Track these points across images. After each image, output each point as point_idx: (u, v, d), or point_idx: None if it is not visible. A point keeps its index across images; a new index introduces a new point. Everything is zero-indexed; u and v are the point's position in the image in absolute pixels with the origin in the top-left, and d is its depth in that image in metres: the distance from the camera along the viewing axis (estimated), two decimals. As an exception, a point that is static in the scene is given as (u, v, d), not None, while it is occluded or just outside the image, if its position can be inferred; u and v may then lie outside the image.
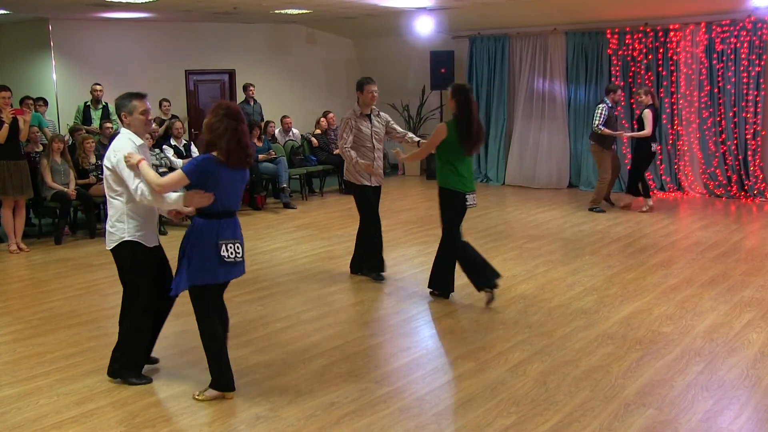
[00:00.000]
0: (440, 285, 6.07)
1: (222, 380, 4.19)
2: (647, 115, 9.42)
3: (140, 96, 4.33)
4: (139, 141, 4.29)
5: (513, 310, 5.72)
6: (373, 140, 6.52)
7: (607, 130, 9.54)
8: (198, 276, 4.05)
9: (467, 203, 5.85)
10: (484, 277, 5.82)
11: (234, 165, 4.03)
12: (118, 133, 4.41)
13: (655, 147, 9.68)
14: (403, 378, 4.49)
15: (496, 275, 5.83)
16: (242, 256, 4.16)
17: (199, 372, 4.54)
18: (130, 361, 4.45)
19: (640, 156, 9.69)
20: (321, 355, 4.86)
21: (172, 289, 4.13)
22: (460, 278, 6.63)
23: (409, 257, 7.55)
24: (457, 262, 5.95)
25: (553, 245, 7.92)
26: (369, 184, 6.56)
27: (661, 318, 5.47)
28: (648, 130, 9.41)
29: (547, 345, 4.97)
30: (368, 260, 6.73)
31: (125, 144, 4.21)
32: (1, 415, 4.04)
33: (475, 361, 4.71)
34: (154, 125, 9.92)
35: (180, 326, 5.22)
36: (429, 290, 6.15)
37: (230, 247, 4.07)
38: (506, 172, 12.66)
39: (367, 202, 6.60)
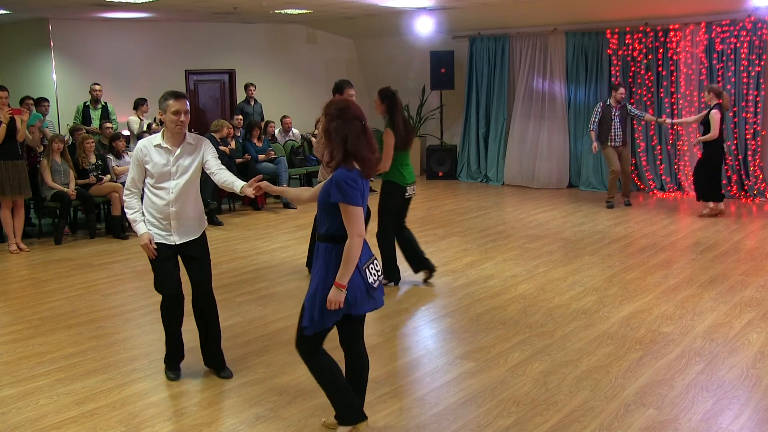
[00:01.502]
0: (388, 275, 6.41)
1: (346, 413, 3.58)
2: (714, 116, 8.89)
3: (177, 95, 4.21)
4: (156, 141, 4.26)
5: (513, 310, 5.73)
6: None
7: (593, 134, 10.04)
8: (327, 318, 3.41)
9: (406, 194, 6.27)
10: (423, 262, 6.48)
11: (371, 175, 3.46)
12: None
13: (725, 145, 9.23)
14: (403, 378, 4.49)
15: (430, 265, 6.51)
16: (381, 276, 3.55)
17: (200, 372, 4.54)
18: (166, 354, 4.57)
19: (714, 158, 9.10)
20: (321, 355, 4.86)
21: (306, 328, 3.44)
22: (466, 277, 6.63)
23: (409, 257, 7.55)
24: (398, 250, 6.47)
25: (553, 245, 7.92)
26: None
27: (661, 318, 5.47)
28: (714, 132, 8.88)
29: (547, 345, 4.97)
30: None
31: (138, 143, 4.34)
32: (1, 414, 4.04)
33: (475, 361, 4.71)
34: (154, 125, 9.92)
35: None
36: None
37: (372, 268, 3.47)
38: (506, 173, 12.66)
39: None
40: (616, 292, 6.16)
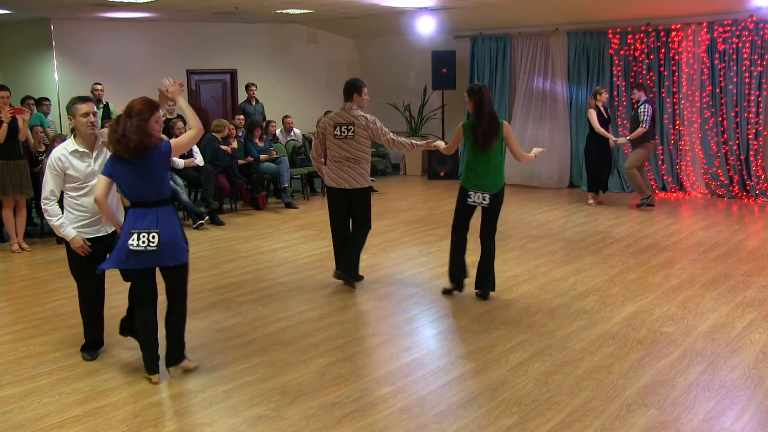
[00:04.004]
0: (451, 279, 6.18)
1: (145, 362, 4.46)
2: (590, 114, 10.06)
3: (83, 99, 4.53)
4: (71, 147, 4.52)
5: (514, 310, 5.72)
6: None
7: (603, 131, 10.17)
8: (114, 262, 4.31)
9: (468, 199, 5.94)
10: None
11: (119, 155, 4.22)
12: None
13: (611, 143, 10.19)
14: (404, 378, 4.49)
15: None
16: (156, 245, 4.21)
17: (203, 371, 4.54)
18: (86, 339, 4.89)
19: (590, 150, 10.31)
20: (322, 354, 4.87)
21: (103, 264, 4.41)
22: (467, 277, 6.61)
23: (411, 257, 7.55)
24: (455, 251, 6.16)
25: (554, 245, 7.91)
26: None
27: (663, 318, 5.47)
28: (595, 127, 10.03)
29: (549, 345, 4.97)
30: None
31: (54, 154, 4.52)
32: (3, 414, 4.05)
33: (477, 361, 4.71)
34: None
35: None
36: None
37: (143, 236, 4.19)
38: (506, 172, 12.61)
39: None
40: (618, 292, 6.16)
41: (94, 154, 4.57)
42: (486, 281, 6.00)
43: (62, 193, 4.61)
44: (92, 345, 4.87)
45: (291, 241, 8.47)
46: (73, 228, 4.54)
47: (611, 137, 10.15)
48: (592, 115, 10.01)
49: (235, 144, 10.52)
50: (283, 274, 7.02)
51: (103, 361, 4.79)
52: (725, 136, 10.61)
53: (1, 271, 7.47)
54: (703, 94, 10.72)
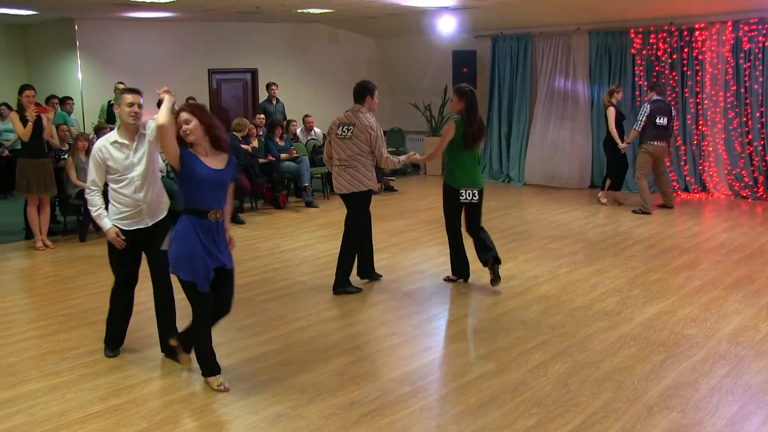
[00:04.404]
0: (453, 271, 6.54)
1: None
2: (609, 112, 9.94)
3: (131, 90, 4.58)
4: (113, 138, 4.54)
5: (534, 311, 5.70)
6: None
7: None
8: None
9: (460, 198, 6.11)
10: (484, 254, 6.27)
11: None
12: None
13: (619, 144, 9.99)
14: (423, 378, 4.48)
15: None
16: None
17: (224, 369, 4.57)
18: (106, 333, 4.92)
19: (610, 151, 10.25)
20: (341, 354, 4.87)
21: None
22: (487, 277, 6.59)
23: (431, 257, 7.54)
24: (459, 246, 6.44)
25: (575, 246, 7.86)
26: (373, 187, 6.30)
27: (685, 320, 5.41)
28: (610, 126, 9.94)
29: (569, 346, 4.94)
30: (368, 264, 6.55)
31: (96, 144, 4.58)
32: (29, 408, 4.10)
33: (496, 362, 4.69)
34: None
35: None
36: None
37: None
38: (527, 172, 12.59)
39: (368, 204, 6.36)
40: (639, 293, 6.11)
41: (134, 144, 4.55)
42: (489, 254, 6.18)
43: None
44: (114, 340, 4.91)
45: (311, 240, 8.50)
46: (112, 220, 4.57)
47: (619, 142, 9.92)
48: (611, 113, 9.91)
49: (255, 143, 10.56)
50: (303, 273, 7.04)
51: (125, 359, 4.84)
52: (750, 136, 10.48)
53: (25, 268, 7.57)
54: (728, 94, 10.59)
